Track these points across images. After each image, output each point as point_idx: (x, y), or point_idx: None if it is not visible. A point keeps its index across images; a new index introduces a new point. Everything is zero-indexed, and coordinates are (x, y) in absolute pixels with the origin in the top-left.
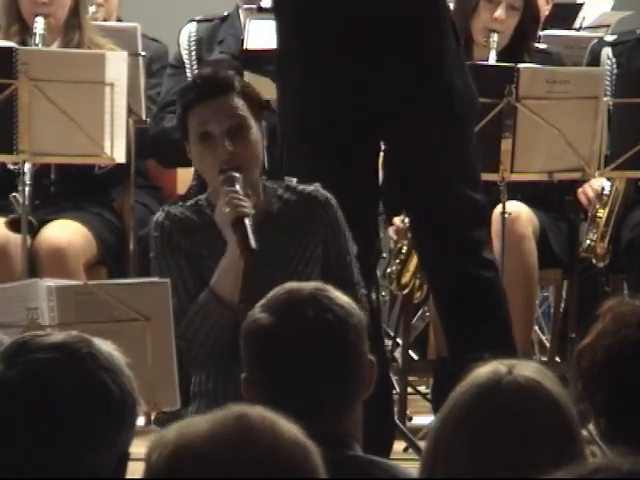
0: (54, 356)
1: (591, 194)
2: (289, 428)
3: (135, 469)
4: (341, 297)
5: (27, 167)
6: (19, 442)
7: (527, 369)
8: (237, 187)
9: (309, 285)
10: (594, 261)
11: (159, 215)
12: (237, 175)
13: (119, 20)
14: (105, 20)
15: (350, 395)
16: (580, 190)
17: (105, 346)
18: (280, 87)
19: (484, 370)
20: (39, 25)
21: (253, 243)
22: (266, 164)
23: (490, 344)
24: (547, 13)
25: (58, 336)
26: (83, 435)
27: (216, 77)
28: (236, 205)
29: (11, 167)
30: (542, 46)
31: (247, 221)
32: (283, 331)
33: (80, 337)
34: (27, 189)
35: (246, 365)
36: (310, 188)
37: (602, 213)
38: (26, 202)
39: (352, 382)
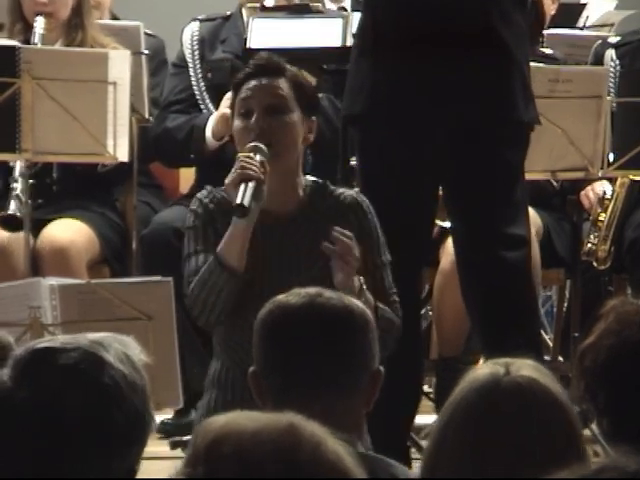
0: (64, 381)
1: (593, 198)
2: (336, 450)
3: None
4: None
5: (19, 164)
6: (22, 462)
7: (524, 368)
8: (257, 156)
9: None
10: (595, 264)
11: (202, 193)
12: (262, 147)
13: (114, 18)
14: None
15: (352, 386)
16: (582, 193)
17: (119, 362)
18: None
19: (482, 371)
20: (39, 24)
21: (244, 200)
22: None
23: (523, 342)
24: (553, 13)
25: (71, 354)
26: (86, 461)
27: (268, 60)
28: (243, 167)
29: (12, 165)
30: (548, 51)
31: (250, 183)
32: (302, 319)
33: (93, 356)
34: (20, 186)
35: (257, 358)
36: (347, 193)
37: (603, 217)
38: (24, 200)
39: (355, 377)
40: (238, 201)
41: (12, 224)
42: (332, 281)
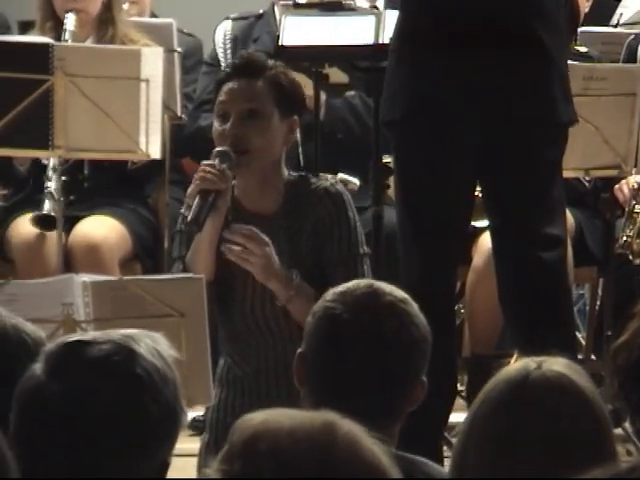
0: (97, 374)
1: (627, 190)
2: (372, 449)
3: None
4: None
5: (52, 162)
6: (56, 456)
7: (556, 364)
8: (217, 162)
9: (391, 287)
10: (630, 257)
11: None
12: (228, 151)
13: (153, 16)
14: (139, 17)
15: (394, 403)
16: (616, 187)
17: (150, 355)
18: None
19: (514, 366)
20: (69, 21)
21: (196, 216)
22: (301, 160)
23: (558, 342)
24: (587, 10)
25: (103, 347)
26: (120, 455)
27: (249, 59)
28: (202, 178)
29: (45, 162)
30: (582, 49)
31: (200, 196)
32: (357, 319)
33: (125, 349)
34: (53, 184)
35: (307, 342)
36: (321, 183)
37: (639, 209)
38: (57, 198)
39: (401, 390)
40: (189, 218)
41: (46, 223)
42: (313, 282)
